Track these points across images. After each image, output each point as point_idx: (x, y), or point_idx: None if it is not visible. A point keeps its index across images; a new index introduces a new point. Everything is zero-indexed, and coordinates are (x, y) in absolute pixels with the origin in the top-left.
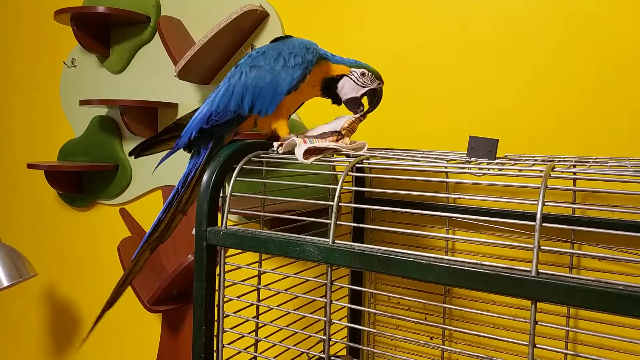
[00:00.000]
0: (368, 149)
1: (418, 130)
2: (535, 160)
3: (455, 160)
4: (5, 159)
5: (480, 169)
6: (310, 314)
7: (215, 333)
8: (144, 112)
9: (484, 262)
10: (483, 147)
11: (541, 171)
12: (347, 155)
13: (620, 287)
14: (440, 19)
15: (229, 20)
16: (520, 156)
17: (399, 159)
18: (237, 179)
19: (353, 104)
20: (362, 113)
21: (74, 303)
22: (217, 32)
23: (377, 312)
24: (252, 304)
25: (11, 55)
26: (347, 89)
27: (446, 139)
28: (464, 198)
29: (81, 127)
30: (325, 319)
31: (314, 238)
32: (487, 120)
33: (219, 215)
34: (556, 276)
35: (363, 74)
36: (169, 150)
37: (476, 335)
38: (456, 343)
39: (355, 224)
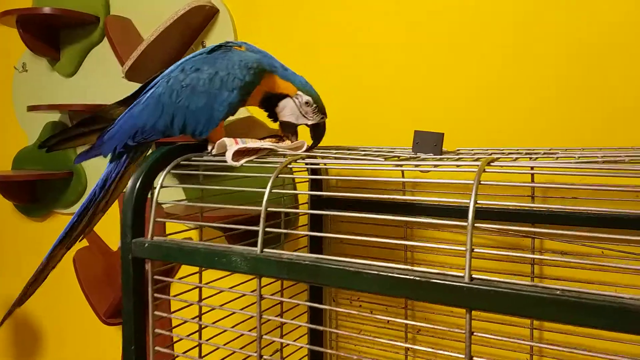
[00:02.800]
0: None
1: (369, 126)
2: (486, 154)
3: (400, 157)
4: None
5: (415, 165)
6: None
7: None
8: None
9: (416, 269)
10: (428, 142)
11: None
12: (284, 156)
13: (558, 292)
14: (393, 9)
15: (176, 17)
16: (471, 150)
17: (342, 158)
18: (165, 185)
19: (288, 129)
20: (307, 148)
21: (32, 316)
22: (165, 30)
23: (338, 331)
24: (185, 321)
25: None
26: (287, 112)
27: (400, 134)
28: (413, 198)
29: (35, 133)
30: (255, 334)
31: (243, 248)
32: (440, 113)
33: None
34: (491, 282)
35: (307, 103)
36: (88, 147)
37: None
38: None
39: (305, 233)
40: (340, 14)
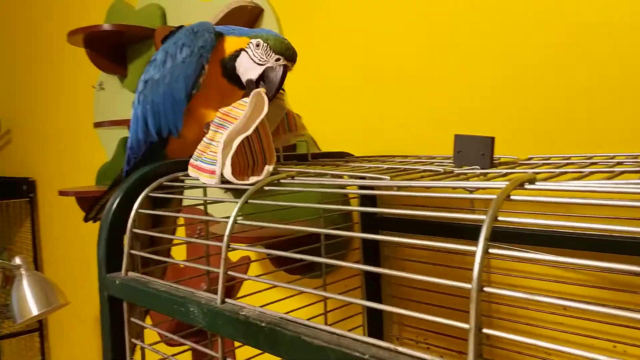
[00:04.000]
0: (348, 158)
1: (402, 133)
2: (563, 163)
3: (438, 169)
4: (62, 186)
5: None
6: None
7: None
8: None
9: (400, 349)
10: (473, 150)
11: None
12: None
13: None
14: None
15: (217, 19)
16: (547, 158)
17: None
18: (140, 210)
19: (249, 88)
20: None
21: None
22: None
23: None
24: None
25: (56, 81)
26: (244, 67)
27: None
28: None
29: (112, 149)
30: None
31: (204, 295)
32: (480, 115)
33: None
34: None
35: (258, 46)
36: None
37: None
38: None
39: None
40: (386, 12)
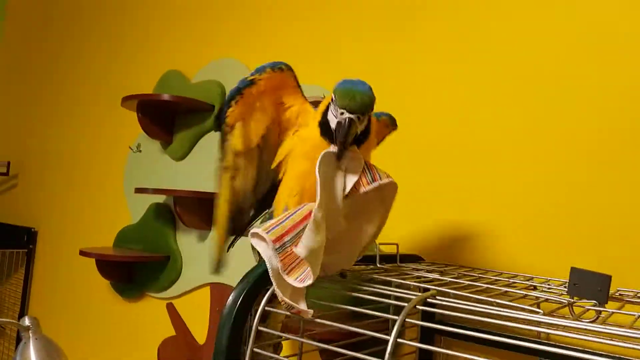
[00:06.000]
0: (428, 266)
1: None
2: None
3: (551, 300)
4: (66, 241)
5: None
6: None
7: None
8: (198, 203)
9: None
10: (590, 285)
11: None
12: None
13: None
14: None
15: None
16: (636, 293)
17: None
18: (268, 308)
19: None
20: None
21: None
22: None
23: None
24: None
25: (82, 137)
26: (330, 122)
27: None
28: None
29: (139, 213)
30: None
31: None
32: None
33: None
34: None
35: (332, 99)
36: None
37: None
38: None
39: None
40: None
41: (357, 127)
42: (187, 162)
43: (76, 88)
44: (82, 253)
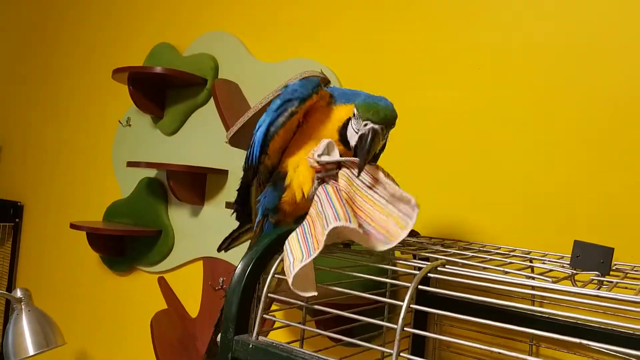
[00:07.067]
0: (426, 240)
1: (490, 218)
2: None
3: (554, 271)
4: (54, 215)
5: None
6: None
7: None
8: (191, 178)
9: None
10: (592, 257)
11: None
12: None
13: None
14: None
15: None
16: (633, 267)
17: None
18: (277, 276)
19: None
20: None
21: None
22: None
23: None
24: None
25: (70, 109)
26: (349, 135)
27: (524, 232)
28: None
29: (129, 187)
30: None
31: None
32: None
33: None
34: None
35: (354, 115)
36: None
37: None
38: None
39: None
40: (454, 76)
41: (381, 139)
42: (179, 136)
43: (63, 60)
44: (73, 226)
